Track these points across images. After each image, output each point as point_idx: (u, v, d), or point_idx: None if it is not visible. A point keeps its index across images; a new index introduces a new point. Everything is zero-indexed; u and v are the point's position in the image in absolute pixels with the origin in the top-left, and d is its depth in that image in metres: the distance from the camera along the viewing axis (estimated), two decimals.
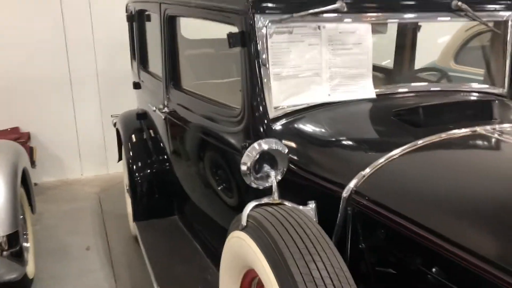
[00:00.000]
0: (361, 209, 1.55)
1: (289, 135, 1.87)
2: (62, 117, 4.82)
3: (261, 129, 1.89)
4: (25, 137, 4.59)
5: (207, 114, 2.28)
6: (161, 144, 3.23)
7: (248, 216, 1.54)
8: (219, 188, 2.31)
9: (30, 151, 4.47)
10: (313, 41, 1.95)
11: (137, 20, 3.22)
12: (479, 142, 1.74)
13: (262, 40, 1.86)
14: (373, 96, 2.04)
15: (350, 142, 1.88)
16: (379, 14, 2.04)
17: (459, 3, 2.09)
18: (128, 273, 3.29)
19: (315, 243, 1.34)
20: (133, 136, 3.45)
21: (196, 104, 2.40)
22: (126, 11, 3.45)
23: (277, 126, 1.90)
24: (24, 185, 3.07)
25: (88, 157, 5.00)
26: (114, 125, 3.81)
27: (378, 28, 2.18)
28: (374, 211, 1.50)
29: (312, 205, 1.61)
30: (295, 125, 1.91)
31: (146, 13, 3.08)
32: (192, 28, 3.63)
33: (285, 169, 1.65)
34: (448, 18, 2.17)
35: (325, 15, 1.93)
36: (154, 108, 2.78)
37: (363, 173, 1.60)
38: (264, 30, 1.86)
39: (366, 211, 1.53)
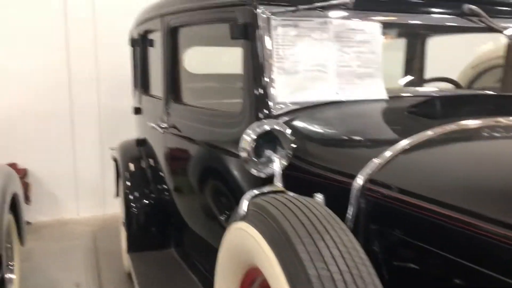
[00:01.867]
0: (379, 199, 1.36)
1: (294, 132, 1.73)
2: (61, 155, 4.69)
3: None
4: (22, 173, 4.45)
5: (207, 122, 2.15)
6: (160, 172, 3.09)
7: (249, 205, 1.36)
8: (219, 200, 2.13)
9: (25, 187, 4.32)
10: (320, 37, 1.85)
11: (140, 44, 3.18)
12: (501, 131, 1.57)
13: (266, 32, 1.77)
14: (385, 97, 1.92)
15: (360, 137, 1.70)
16: (388, 13, 1.96)
17: (472, 7, 2.01)
18: None
19: (324, 222, 1.16)
20: (131, 164, 3.31)
21: (196, 114, 2.28)
22: (129, 37, 3.42)
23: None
24: (13, 212, 2.88)
25: (86, 197, 4.82)
26: (113, 158, 3.68)
27: (387, 30, 2.10)
28: (396, 199, 1.31)
29: (319, 196, 1.43)
30: (301, 122, 1.76)
31: (149, 36, 3.04)
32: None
33: (290, 153, 1.49)
34: (460, 24, 2.08)
35: (332, 10, 1.86)
36: (153, 125, 2.65)
37: (376, 161, 1.43)
38: (268, 22, 1.77)
39: (386, 200, 1.34)
